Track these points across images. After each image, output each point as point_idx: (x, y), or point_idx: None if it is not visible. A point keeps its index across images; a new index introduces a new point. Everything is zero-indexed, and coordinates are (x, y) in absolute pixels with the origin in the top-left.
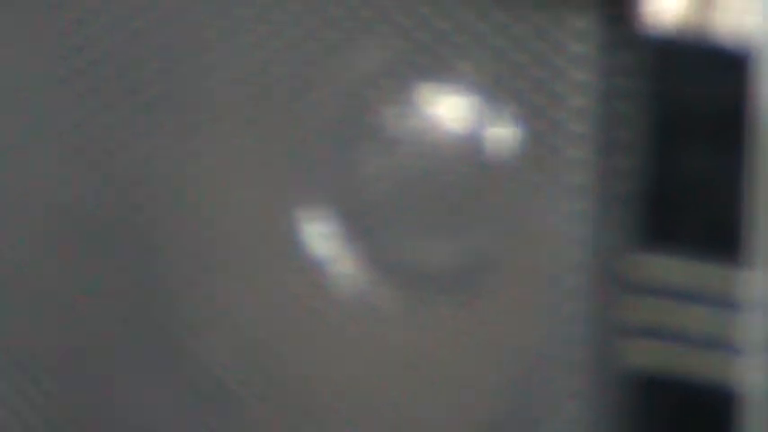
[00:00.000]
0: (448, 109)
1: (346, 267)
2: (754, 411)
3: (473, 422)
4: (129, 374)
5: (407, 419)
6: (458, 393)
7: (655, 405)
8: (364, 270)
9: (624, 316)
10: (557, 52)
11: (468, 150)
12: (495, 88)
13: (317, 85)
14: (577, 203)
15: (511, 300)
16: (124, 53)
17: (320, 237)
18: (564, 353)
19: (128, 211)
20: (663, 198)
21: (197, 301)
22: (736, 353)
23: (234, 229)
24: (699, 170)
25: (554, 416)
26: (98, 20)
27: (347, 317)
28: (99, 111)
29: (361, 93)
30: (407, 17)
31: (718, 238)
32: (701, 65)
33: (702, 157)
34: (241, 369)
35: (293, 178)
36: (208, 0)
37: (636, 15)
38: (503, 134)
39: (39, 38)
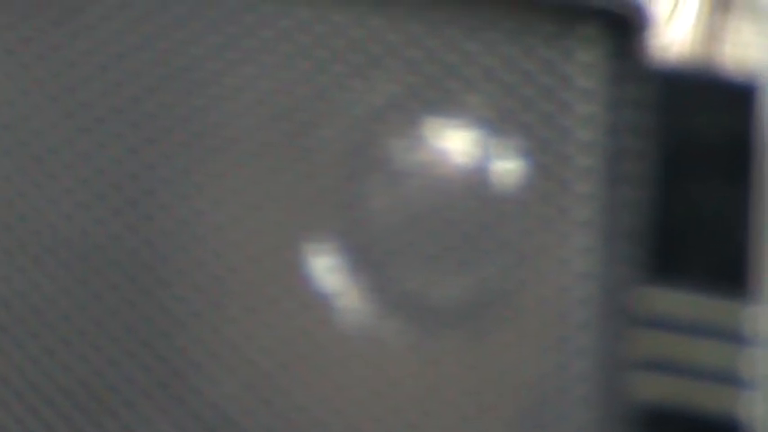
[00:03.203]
0: (455, 142)
1: (353, 300)
2: None
3: None
4: (137, 406)
5: None
6: (466, 427)
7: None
8: (372, 303)
9: (632, 349)
10: (564, 86)
11: (476, 184)
12: (503, 122)
13: (326, 118)
14: (585, 237)
15: (518, 334)
16: (132, 85)
17: (328, 270)
18: (572, 386)
19: (136, 246)
20: (670, 231)
21: (204, 334)
22: (742, 386)
23: (242, 263)
24: (706, 203)
25: None
26: (107, 50)
27: (354, 350)
28: (106, 144)
29: (369, 126)
30: (415, 51)
31: (726, 272)
32: (708, 98)
33: (709, 190)
34: (247, 402)
35: (301, 211)
36: (218, 33)
37: (642, 49)
38: (510, 168)
39: (47, 69)
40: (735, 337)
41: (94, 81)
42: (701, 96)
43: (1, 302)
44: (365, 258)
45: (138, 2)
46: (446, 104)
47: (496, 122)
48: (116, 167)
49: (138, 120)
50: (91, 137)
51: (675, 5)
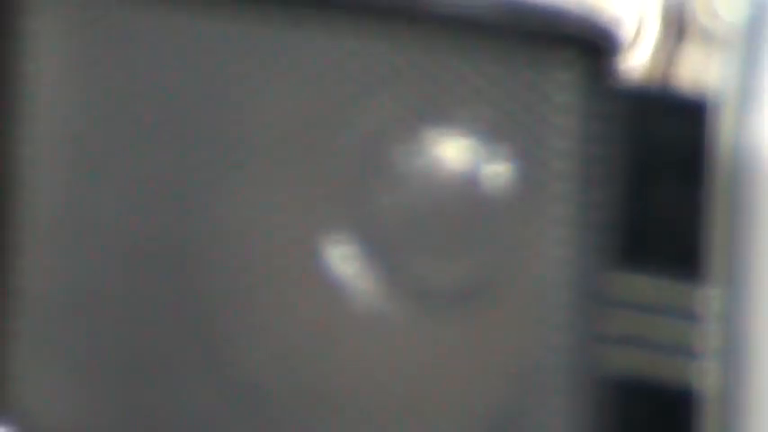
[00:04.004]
0: (451, 150)
1: (365, 284)
2: (710, 406)
3: (477, 409)
4: (180, 375)
5: (417, 408)
6: (461, 390)
7: (628, 401)
8: (380, 286)
9: (602, 327)
10: (543, 101)
11: (469, 185)
12: (492, 132)
13: (342, 129)
14: (562, 231)
15: (506, 313)
16: (180, 103)
17: (343, 258)
18: (551, 358)
19: (181, 238)
20: (634, 226)
21: (238, 312)
22: (696, 357)
23: (270, 252)
24: (665, 202)
25: (542, 409)
26: (160, 74)
27: (365, 325)
28: (158, 152)
29: (377, 136)
30: (417, 73)
31: (682, 261)
32: (666, 112)
33: (668, 190)
34: (274, 370)
35: (321, 209)
36: (251, 60)
37: (612, 70)
38: (498, 172)
39: (109, 89)
40: (689, 315)
41: (150, 100)
42: (661, 111)
43: (69, 285)
44: (375, 248)
45: (187, 37)
46: (443, 118)
47: (486, 133)
48: (165, 172)
49: (184, 132)
50: (145, 147)
51: (638, 33)
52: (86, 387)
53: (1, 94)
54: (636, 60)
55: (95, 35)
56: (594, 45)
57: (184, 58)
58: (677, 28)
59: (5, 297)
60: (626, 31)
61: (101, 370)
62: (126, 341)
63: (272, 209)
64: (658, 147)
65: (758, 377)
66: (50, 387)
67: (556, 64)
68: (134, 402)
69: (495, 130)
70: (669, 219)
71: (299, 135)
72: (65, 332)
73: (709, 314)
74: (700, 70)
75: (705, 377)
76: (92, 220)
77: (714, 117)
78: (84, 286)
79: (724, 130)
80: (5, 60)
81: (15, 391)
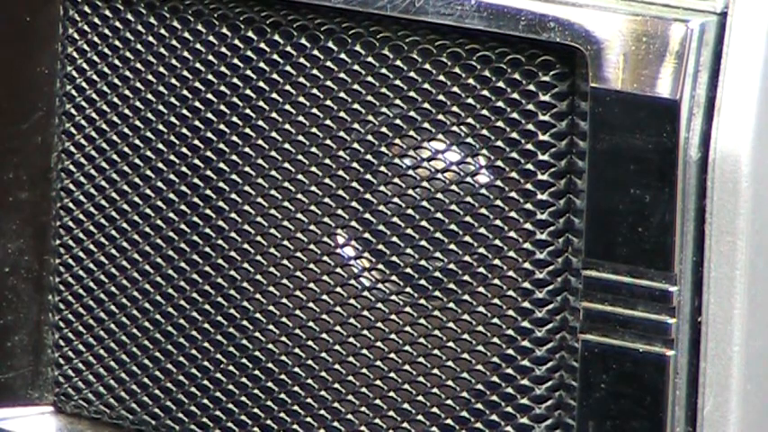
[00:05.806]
0: (447, 157)
1: (368, 268)
2: (675, 374)
3: (467, 377)
4: (208, 359)
5: (412, 371)
6: (450, 355)
7: (605, 368)
8: (382, 270)
9: (582, 306)
10: (527, 99)
11: (462, 186)
12: (480, 127)
13: (354, 141)
14: (541, 218)
15: (490, 292)
16: (214, 116)
17: (350, 247)
18: (537, 332)
19: (211, 232)
20: (611, 218)
21: (257, 296)
22: (663, 332)
23: (289, 243)
24: (636, 196)
25: (535, 373)
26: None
27: (368, 304)
28: (197, 154)
29: (384, 145)
30: (417, 93)
31: (651, 249)
32: (636, 114)
33: (638, 184)
34: (288, 342)
35: (333, 204)
36: (277, 74)
37: (588, 74)
38: (484, 163)
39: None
40: (656, 297)
41: (182, 103)
42: (630, 112)
43: (103, 273)
44: (377, 237)
45: (217, 47)
46: (441, 131)
47: (476, 125)
48: (204, 175)
49: (217, 140)
50: (186, 149)
51: (613, 43)
52: (118, 371)
53: (42, 93)
54: (610, 67)
55: (129, 42)
56: (574, 50)
57: (214, 66)
58: (648, 40)
59: (43, 288)
60: (602, 40)
61: (132, 356)
62: (156, 329)
63: (293, 205)
64: (630, 143)
65: (711, 347)
66: (85, 370)
67: (538, 66)
68: (162, 384)
69: (483, 123)
70: (641, 212)
71: (315, 136)
72: (99, 321)
73: (672, 294)
74: (667, 79)
75: (671, 347)
76: (140, 208)
77: (680, 119)
78: (118, 275)
79: (688, 133)
80: (47, 63)
81: (53, 374)
